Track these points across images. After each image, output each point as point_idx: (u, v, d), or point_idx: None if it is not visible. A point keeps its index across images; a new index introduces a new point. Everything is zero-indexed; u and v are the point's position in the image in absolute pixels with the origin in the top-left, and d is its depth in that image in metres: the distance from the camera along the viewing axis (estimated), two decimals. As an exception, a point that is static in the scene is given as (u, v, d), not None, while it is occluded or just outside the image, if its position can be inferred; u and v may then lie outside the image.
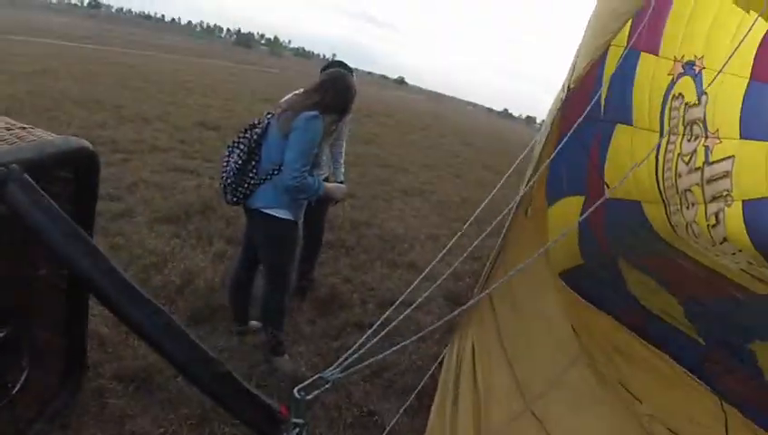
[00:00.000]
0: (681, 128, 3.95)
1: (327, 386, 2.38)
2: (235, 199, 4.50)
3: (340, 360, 2.53)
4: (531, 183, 4.04)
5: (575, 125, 3.52)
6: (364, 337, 2.83)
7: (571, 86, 3.80)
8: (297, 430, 2.11)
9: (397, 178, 13.81)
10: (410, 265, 7.23)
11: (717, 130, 3.71)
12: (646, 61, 4.18)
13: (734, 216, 3.57)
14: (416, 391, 4.07)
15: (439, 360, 4.13)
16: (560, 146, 3.71)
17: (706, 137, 3.76)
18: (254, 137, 4.49)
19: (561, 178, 4.72)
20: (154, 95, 18.89)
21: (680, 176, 3.90)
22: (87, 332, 3.72)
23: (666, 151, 4.04)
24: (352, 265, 7.14)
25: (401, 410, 3.99)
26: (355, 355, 2.58)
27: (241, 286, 5.04)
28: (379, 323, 3.05)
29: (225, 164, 4.55)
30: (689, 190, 3.85)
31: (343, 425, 4.24)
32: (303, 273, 5.96)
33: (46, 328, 3.35)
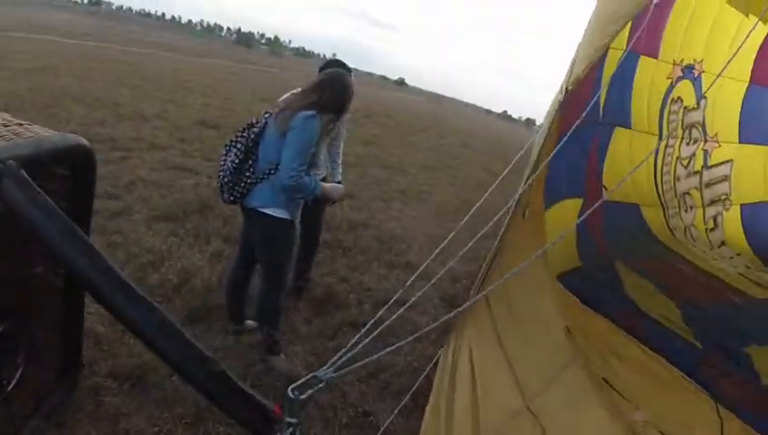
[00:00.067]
0: (680, 131, 3.97)
1: (321, 385, 2.38)
2: (231, 198, 4.50)
3: (334, 359, 2.53)
4: (527, 184, 4.04)
5: (573, 127, 3.52)
6: (357, 336, 2.83)
7: (569, 88, 3.80)
8: (291, 429, 2.11)
9: (395, 180, 13.82)
10: (407, 266, 7.23)
11: (716, 134, 3.73)
12: (645, 64, 4.19)
13: (732, 219, 3.59)
14: (411, 392, 4.07)
15: (434, 360, 4.14)
16: (557, 148, 3.71)
17: (705, 141, 3.77)
18: (252, 136, 4.49)
19: (560, 181, 4.72)
20: (153, 93, 18.88)
21: (679, 179, 3.92)
22: (83, 329, 3.72)
23: (664, 155, 4.06)
24: (349, 265, 7.14)
25: (396, 411, 3.99)
26: (349, 354, 2.58)
27: (237, 286, 5.04)
28: (372, 322, 3.05)
29: (222, 163, 4.55)
30: (688, 194, 3.86)
31: (338, 425, 4.24)
32: (300, 272, 5.98)
33: (42, 325, 3.34)
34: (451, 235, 3.77)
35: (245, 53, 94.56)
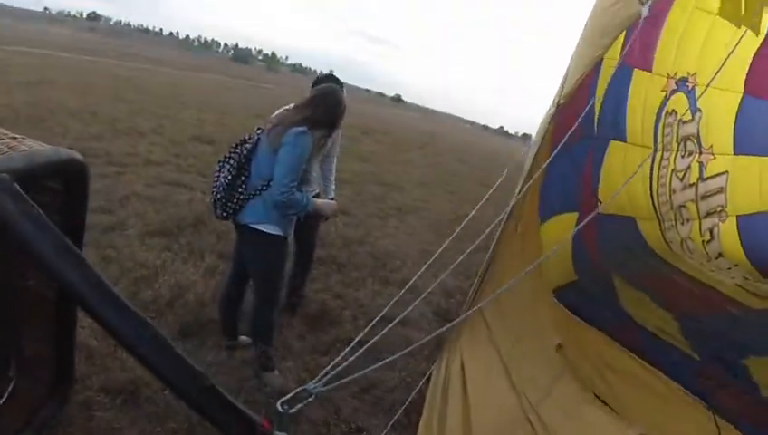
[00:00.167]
0: (675, 144, 3.98)
1: (310, 399, 2.38)
2: (224, 214, 4.51)
3: (323, 373, 2.53)
4: (518, 198, 4.05)
5: (563, 139, 3.53)
6: (346, 350, 2.84)
7: (561, 101, 3.81)
8: (280, 442, 2.11)
9: (392, 196, 13.85)
10: (402, 283, 7.18)
11: (711, 146, 3.74)
12: (639, 77, 4.20)
13: (728, 231, 3.59)
14: (404, 407, 4.07)
15: (427, 376, 4.15)
16: (548, 160, 3.72)
17: (700, 153, 3.78)
18: (244, 152, 4.51)
19: (555, 195, 4.74)
20: (150, 108, 18.94)
21: (674, 192, 3.93)
22: (75, 343, 3.72)
23: (660, 168, 4.07)
24: (344, 281, 7.13)
25: (389, 426, 4.00)
26: (339, 368, 2.58)
27: (231, 301, 5.03)
28: (361, 336, 3.06)
29: (215, 179, 4.56)
30: (684, 206, 3.87)
31: (331, 441, 4.23)
32: (294, 289, 5.99)
33: (34, 339, 3.34)
34: (439, 250, 3.79)
35: (242, 69, 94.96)
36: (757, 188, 3.51)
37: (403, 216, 12.04)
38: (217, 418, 2.07)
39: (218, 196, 4.49)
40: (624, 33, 4.04)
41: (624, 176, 4.37)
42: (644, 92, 4.16)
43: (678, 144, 3.97)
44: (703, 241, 3.78)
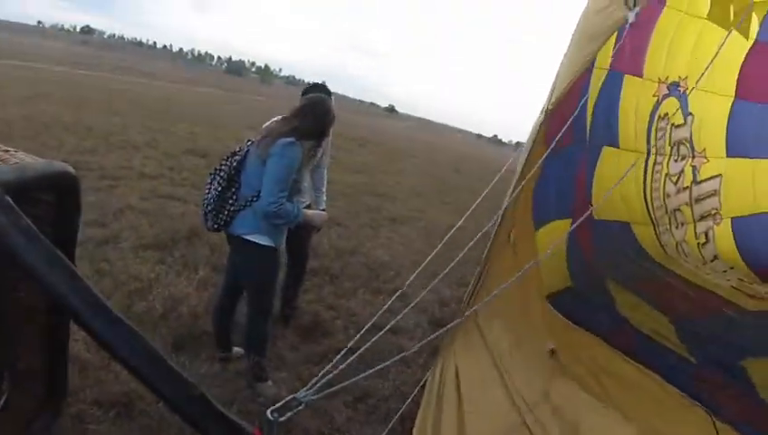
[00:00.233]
0: (668, 148, 3.99)
1: (301, 407, 2.40)
2: (215, 226, 4.54)
3: (314, 381, 2.55)
4: (508, 204, 4.07)
5: (551, 146, 3.57)
6: (337, 358, 2.86)
7: (549, 108, 3.84)
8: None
9: (385, 207, 13.85)
10: (395, 292, 7.22)
11: (704, 150, 3.76)
12: (630, 83, 4.23)
13: (723, 234, 3.61)
14: (398, 414, 4.09)
15: (422, 383, 4.16)
16: (536, 167, 3.76)
17: (693, 156, 3.80)
18: (234, 164, 4.55)
19: (548, 202, 4.77)
20: (144, 122, 18.92)
21: (669, 196, 3.94)
22: (68, 355, 3.73)
23: (653, 172, 4.09)
24: (336, 292, 7.13)
25: (383, 435, 4.01)
26: (329, 376, 2.61)
27: (224, 313, 5.04)
28: (351, 344, 3.08)
29: (206, 191, 4.59)
30: (678, 210, 3.89)
31: (325, 451, 4.24)
32: (287, 300, 6.01)
33: (27, 351, 3.35)
34: (428, 258, 3.81)
35: (236, 82, 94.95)
36: (751, 190, 3.53)
37: (397, 226, 12.05)
38: (208, 427, 2.10)
39: (209, 208, 4.52)
40: (614, 39, 4.09)
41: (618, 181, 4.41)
42: (635, 98, 4.19)
43: (671, 148, 3.98)
44: (698, 244, 3.80)
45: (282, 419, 2.19)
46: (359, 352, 2.91)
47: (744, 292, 3.86)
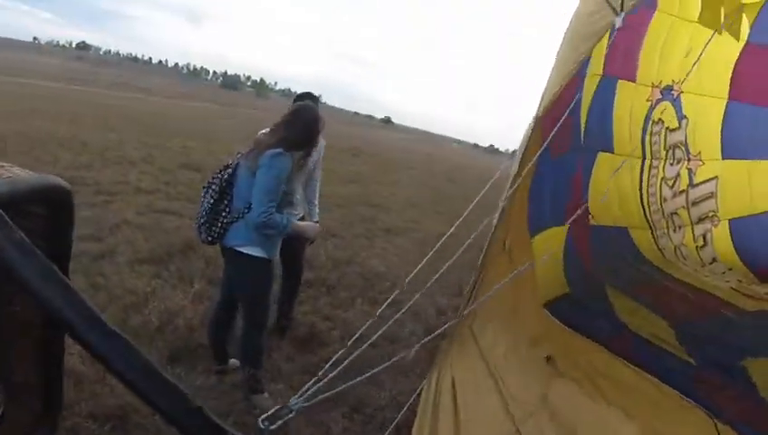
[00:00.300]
0: (663, 152, 4.01)
1: (291, 415, 2.41)
2: (209, 239, 4.55)
3: (305, 388, 2.56)
4: (499, 214, 4.09)
5: (538, 152, 3.59)
6: (328, 365, 2.88)
7: (540, 114, 3.87)
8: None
9: (380, 217, 13.83)
10: (391, 302, 7.22)
11: (699, 153, 3.77)
12: (623, 88, 4.24)
13: (721, 236, 3.62)
14: (394, 423, 4.09)
15: (417, 392, 4.17)
16: (523, 172, 3.78)
17: (689, 159, 3.81)
18: (225, 176, 4.57)
19: (544, 209, 4.78)
20: (139, 137, 18.94)
21: (665, 200, 3.95)
22: (63, 369, 3.74)
23: (649, 176, 4.10)
24: (332, 303, 7.13)
25: (380, 444, 4.01)
26: (320, 383, 2.63)
27: (220, 326, 5.05)
28: (341, 352, 3.10)
29: (201, 205, 4.61)
30: (675, 213, 3.90)
31: (321, 460, 4.25)
32: (283, 312, 6.02)
33: (22, 365, 3.37)
34: (418, 267, 3.83)
35: (232, 96, 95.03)
36: (747, 192, 3.54)
37: (392, 237, 12.02)
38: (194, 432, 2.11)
39: (202, 220, 4.55)
40: (606, 45, 4.12)
41: (614, 187, 4.41)
42: (629, 103, 4.20)
43: (666, 152, 3.99)
44: (696, 247, 3.81)
45: (273, 427, 2.21)
46: (349, 359, 2.92)
47: (742, 293, 3.87)
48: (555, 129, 3.68)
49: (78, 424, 3.96)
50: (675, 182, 3.89)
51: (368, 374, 3.00)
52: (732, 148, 3.64)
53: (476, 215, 4.21)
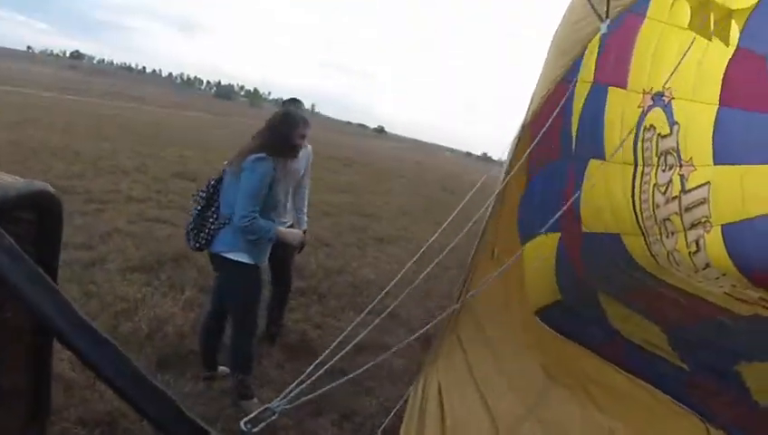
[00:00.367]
0: (655, 159, 4.02)
1: (274, 417, 2.41)
2: (197, 245, 4.60)
3: (287, 391, 2.57)
4: (485, 220, 4.09)
5: (522, 158, 3.59)
6: (310, 368, 2.89)
7: (527, 121, 3.87)
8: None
9: (372, 226, 13.80)
10: (382, 310, 7.17)
11: (691, 159, 3.78)
12: (615, 95, 4.25)
13: (714, 241, 3.64)
14: (381, 428, 4.09)
15: (404, 398, 4.16)
16: (509, 177, 3.78)
17: (681, 166, 3.83)
18: (212, 183, 4.64)
19: (534, 217, 4.78)
20: (132, 147, 18.88)
21: (658, 206, 3.97)
22: (51, 374, 3.72)
23: (642, 183, 4.11)
24: (323, 311, 7.11)
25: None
26: (302, 386, 2.63)
27: (211, 334, 5.05)
28: (323, 356, 3.11)
29: (190, 212, 4.66)
30: (668, 220, 3.91)
31: (312, 468, 4.23)
32: (273, 320, 6.03)
33: (11, 370, 3.35)
34: (400, 274, 3.83)
35: (225, 106, 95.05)
36: (740, 197, 3.57)
37: (384, 245, 11.97)
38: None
39: (190, 226, 4.61)
40: (596, 52, 4.13)
41: (606, 194, 4.42)
42: (621, 109, 4.21)
43: (659, 158, 4.01)
44: (689, 252, 3.83)
45: (255, 429, 2.20)
46: (330, 362, 3.03)
47: (736, 298, 3.89)
48: (539, 136, 3.69)
49: (67, 429, 3.95)
50: (667, 188, 3.90)
51: (350, 376, 3.05)
52: (724, 153, 3.66)
53: (467, 222, 4.22)
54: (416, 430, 3.87)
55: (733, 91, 3.71)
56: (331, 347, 3.16)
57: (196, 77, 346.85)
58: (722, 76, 3.74)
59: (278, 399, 2.50)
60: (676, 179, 4.04)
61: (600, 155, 4.39)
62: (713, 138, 3.82)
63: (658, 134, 4.11)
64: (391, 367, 5.61)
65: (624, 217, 4.36)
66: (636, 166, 4.28)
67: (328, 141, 45.97)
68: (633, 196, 4.31)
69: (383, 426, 4.10)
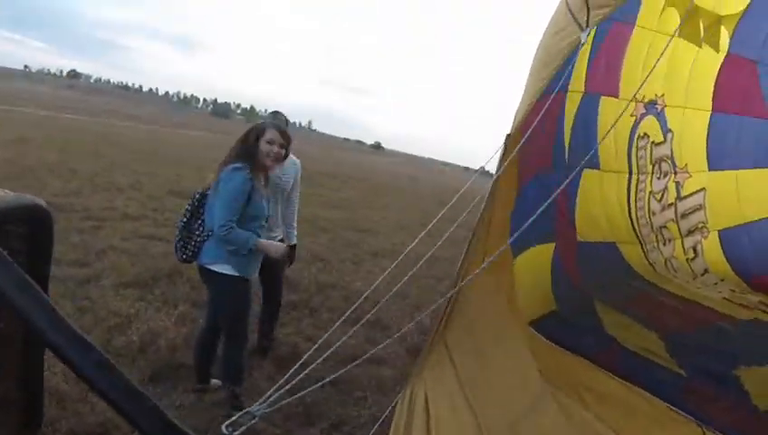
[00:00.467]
0: (649, 166, 4.02)
1: (254, 421, 2.41)
2: (184, 257, 4.68)
3: (267, 395, 2.58)
4: (473, 233, 4.09)
5: (503, 166, 3.59)
6: (290, 371, 2.91)
7: (512, 132, 3.87)
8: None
9: (367, 241, 13.80)
10: (375, 323, 7.14)
11: (686, 165, 3.78)
12: (606, 104, 4.25)
13: (712, 247, 3.63)
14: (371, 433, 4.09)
15: (392, 406, 4.16)
16: (495, 177, 3.78)
17: (675, 172, 3.82)
18: (197, 196, 4.75)
19: (527, 228, 4.78)
20: (128, 165, 18.99)
21: (654, 214, 3.96)
22: (43, 385, 3.72)
23: (637, 191, 4.11)
24: (315, 324, 7.10)
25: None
26: (281, 390, 2.64)
27: (205, 348, 5.07)
28: (304, 358, 3.14)
29: (176, 225, 4.78)
30: (664, 227, 3.90)
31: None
32: (264, 333, 6.07)
33: (4, 381, 3.35)
34: (377, 281, 3.84)
35: (223, 124, 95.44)
36: (736, 201, 3.56)
37: (379, 260, 11.90)
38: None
39: (177, 239, 4.71)
40: (586, 62, 4.14)
41: (602, 203, 4.42)
42: (613, 118, 4.22)
43: (653, 166, 4.01)
44: (687, 259, 3.82)
45: (236, 432, 2.21)
46: (312, 366, 3.04)
47: (736, 303, 3.88)
48: (520, 144, 3.69)
49: (58, 441, 3.94)
50: (663, 196, 3.90)
51: (327, 380, 3.12)
52: (718, 159, 3.66)
53: (460, 235, 4.23)
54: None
55: (725, 96, 3.72)
56: (310, 352, 3.17)
57: (192, 95, 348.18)
58: (713, 82, 3.74)
59: (258, 403, 2.50)
60: (672, 187, 4.04)
61: (595, 165, 4.39)
62: (707, 144, 3.82)
63: (652, 142, 4.12)
64: (381, 377, 5.66)
65: (620, 225, 4.36)
66: (630, 174, 4.28)
67: (325, 158, 46.04)
68: (629, 204, 4.31)
69: (372, 432, 4.10)
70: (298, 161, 5.86)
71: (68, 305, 6.08)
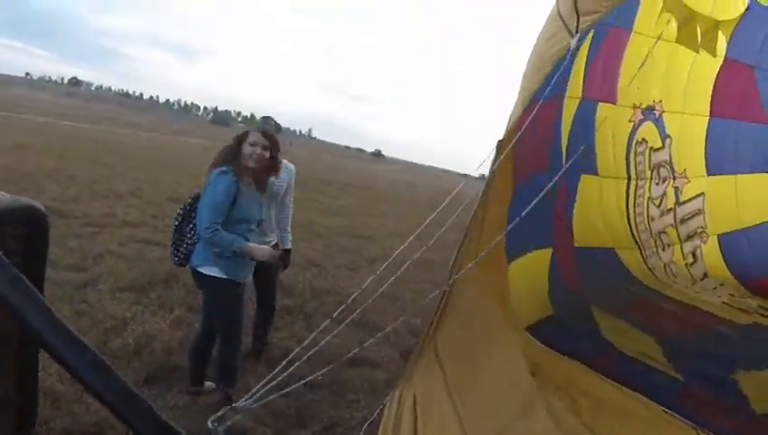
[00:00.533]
0: (648, 172, 4.02)
1: (239, 416, 2.44)
2: (177, 259, 4.75)
3: (253, 391, 2.66)
4: (465, 235, 4.09)
5: (492, 168, 3.59)
6: (277, 368, 2.91)
7: (504, 138, 3.87)
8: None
9: (365, 248, 13.79)
10: (369, 326, 7.09)
11: (685, 171, 3.79)
12: (604, 110, 4.26)
13: (711, 251, 3.64)
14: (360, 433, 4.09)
15: (380, 408, 4.16)
16: (486, 181, 3.78)
17: (674, 178, 3.83)
18: (189, 200, 4.76)
19: (524, 233, 4.76)
20: (128, 172, 18.99)
21: (653, 219, 3.97)
22: (38, 385, 3.72)
23: (636, 196, 4.11)
24: (309, 328, 6.98)
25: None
26: (267, 386, 2.66)
27: (200, 352, 5.08)
28: (293, 354, 3.15)
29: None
30: (664, 232, 3.91)
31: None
32: (258, 337, 6.10)
33: (2, 382, 3.34)
34: (367, 282, 3.85)
35: (223, 132, 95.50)
36: (734, 206, 3.57)
37: (376, 266, 11.80)
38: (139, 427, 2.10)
39: (171, 242, 4.78)
40: (583, 68, 4.14)
41: (599, 208, 4.43)
42: (611, 124, 4.22)
43: (652, 172, 4.02)
44: (686, 264, 3.83)
45: (221, 427, 2.22)
46: (298, 362, 3.15)
47: (736, 307, 3.89)
48: (512, 142, 3.69)
49: (53, 440, 3.94)
50: (662, 201, 3.91)
51: (309, 378, 3.16)
52: (717, 163, 3.67)
53: (450, 239, 4.23)
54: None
55: (723, 101, 3.73)
56: (297, 350, 3.18)
57: (193, 103, 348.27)
58: (711, 88, 3.75)
59: (244, 399, 2.52)
60: (671, 192, 4.04)
61: (593, 170, 4.39)
62: (705, 149, 3.83)
63: (651, 148, 4.12)
64: (374, 380, 5.68)
65: (619, 231, 4.36)
66: (629, 180, 4.28)
67: (325, 165, 46.03)
68: (627, 210, 4.31)
69: (362, 431, 4.11)
70: (292, 166, 5.90)
71: (65, 308, 6.11)
